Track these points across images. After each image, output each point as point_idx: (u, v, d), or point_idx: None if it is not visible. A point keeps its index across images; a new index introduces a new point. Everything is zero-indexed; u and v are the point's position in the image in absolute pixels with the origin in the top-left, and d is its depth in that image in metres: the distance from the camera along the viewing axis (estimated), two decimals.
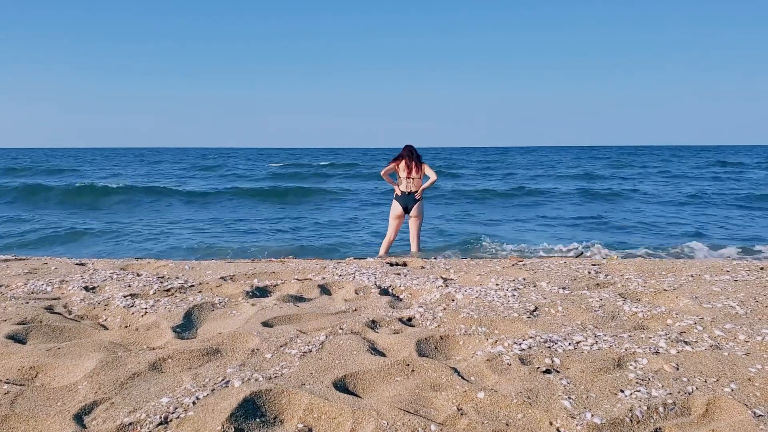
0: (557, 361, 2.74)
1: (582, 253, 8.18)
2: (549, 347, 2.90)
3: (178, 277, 4.75)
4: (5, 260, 5.79)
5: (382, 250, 7.50)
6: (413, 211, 7.34)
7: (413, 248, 7.46)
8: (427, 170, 7.36)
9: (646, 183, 25.51)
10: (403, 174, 7.35)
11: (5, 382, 2.50)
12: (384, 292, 4.30)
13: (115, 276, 4.81)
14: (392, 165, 7.45)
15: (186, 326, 3.41)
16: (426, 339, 3.05)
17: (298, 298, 4.10)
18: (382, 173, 7.58)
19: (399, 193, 7.37)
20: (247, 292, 4.18)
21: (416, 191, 7.30)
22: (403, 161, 7.36)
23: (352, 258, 7.13)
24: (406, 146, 7.53)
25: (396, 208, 7.41)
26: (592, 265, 5.46)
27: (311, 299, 4.10)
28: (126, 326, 3.48)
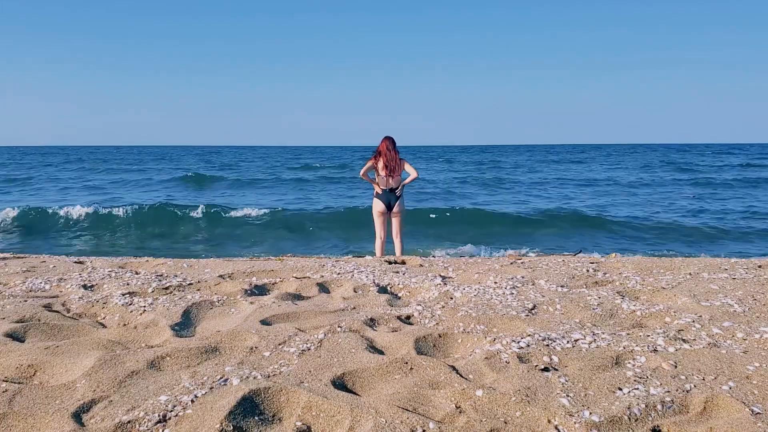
0: (555, 359, 2.74)
1: (581, 251, 8.18)
2: (547, 345, 2.90)
3: (176, 275, 4.75)
4: (3, 258, 5.79)
5: (377, 253, 7.43)
6: (395, 208, 7.27)
7: (397, 249, 7.35)
8: (407, 167, 7.28)
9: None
10: (382, 173, 7.25)
11: (3, 381, 2.50)
12: (382, 290, 4.30)
13: (113, 274, 4.80)
14: (370, 163, 7.33)
15: (184, 324, 3.41)
16: (424, 337, 3.05)
17: (297, 297, 4.10)
18: (360, 174, 7.43)
19: (380, 191, 7.28)
20: (246, 291, 4.18)
21: (397, 188, 7.23)
22: (382, 159, 7.25)
23: (350, 256, 7.13)
24: (385, 140, 7.30)
25: (378, 205, 7.33)
26: (591, 263, 5.46)
27: (310, 297, 4.10)
28: (124, 324, 3.48)
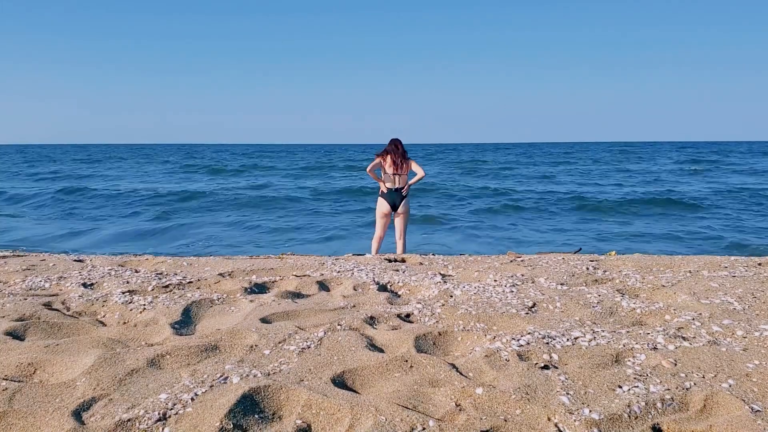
0: (555, 357, 2.74)
1: (580, 249, 8.18)
2: (547, 343, 2.91)
3: (176, 274, 4.75)
4: (3, 257, 5.79)
5: (373, 250, 7.41)
6: (400, 208, 7.24)
7: (399, 248, 7.33)
8: (414, 166, 7.24)
9: None
10: (389, 170, 7.21)
11: (3, 379, 2.49)
12: (382, 288, 4.30)
13: (113, 272, 4.80)
14: (378, 160, 7.29)
15: (184, 323, 3.41)
16: (424, 335, 3.05)
17: (297, 295, 4.10)
18: (367, 170, 7.37)
19: (385, 190, 7.24)
20: (246, 289, 4.18)
21: (403, 187, 7.20)
22: (389, 157, 7.21)
23: (350, 254, 7.13)
24: (392, 140, 7.29)
25: (383, 205, 7.29)
26: (591, 261, 5.46)
27: (310, 295, 4.10)
28: (124, 322, 3.48)
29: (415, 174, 7.25)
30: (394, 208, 7.22)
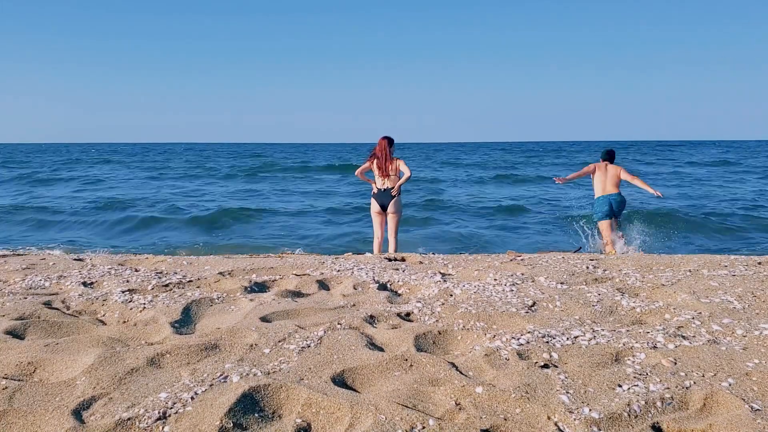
0: (555, 356, 2.74)
1: (580, 248, 8.18)
2: (547, 342, 2.91)
3: (176, 273, 4.75)
4: (3, 256, 5.79)
5: (375, 251, 7.49)
6: (390, 208, 7.32)
7: (391, 247, 7.40)
8: (402, 166, 7.32)
9: None
10: (377, 172, 7.34)
11: (3, 378, 2.49)
12: (382, 287, 4.30)
13: (113, 271, 4.80)
14: (367, 164, 7.44)
15: (184, 321, 3.41)
16: (424, 334, 3.05)
17: (297, 294, 4.10)
18: (356, 173, 7.55)
19: (375, 191, 7.36)
20: (246, 288, 4.18)
21: (392, 188, 7.28)
22: (376, 160, 7.33)
23: (350, 254, 7.13)
24: (381, 140, 7.40)
25: (373, 205, 7.42)
26: (591, 260, 5.46)
27: (309, 294, 4.10)
28: (124, 321, 3.48)
29: (404, 174, 7.32)
30: (383, 208, 7.31)
